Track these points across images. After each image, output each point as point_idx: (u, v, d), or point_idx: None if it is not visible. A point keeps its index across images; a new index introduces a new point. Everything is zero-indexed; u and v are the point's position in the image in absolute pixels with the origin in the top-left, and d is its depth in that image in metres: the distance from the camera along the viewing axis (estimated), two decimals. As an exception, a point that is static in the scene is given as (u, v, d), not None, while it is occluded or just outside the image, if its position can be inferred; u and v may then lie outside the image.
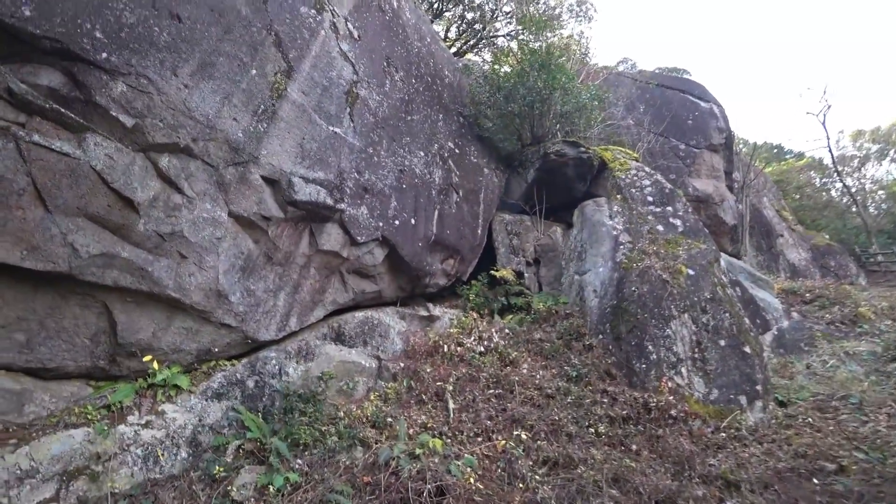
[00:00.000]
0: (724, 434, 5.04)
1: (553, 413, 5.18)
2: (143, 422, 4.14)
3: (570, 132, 10.58)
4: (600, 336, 6.53)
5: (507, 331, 7.17)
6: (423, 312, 7.49)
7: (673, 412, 5.18)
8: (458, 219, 8.01)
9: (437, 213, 7.46)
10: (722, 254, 13.11)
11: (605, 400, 5.44)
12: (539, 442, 4.76)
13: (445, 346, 6.43)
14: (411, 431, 4.87)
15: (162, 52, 4.41)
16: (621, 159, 9.71)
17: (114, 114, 4.05)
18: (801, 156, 25.21)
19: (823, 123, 18.52)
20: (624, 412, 5.22)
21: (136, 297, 4.30)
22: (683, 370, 5.79)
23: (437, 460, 4.31)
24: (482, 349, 6.55)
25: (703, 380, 5.74)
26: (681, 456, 4.68)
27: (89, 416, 3.94)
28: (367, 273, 6.49)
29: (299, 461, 4.35)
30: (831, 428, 5.22)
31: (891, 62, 67.13)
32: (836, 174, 21.99)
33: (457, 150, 8.65)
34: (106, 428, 3.90)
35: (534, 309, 7.75)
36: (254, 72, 5.24)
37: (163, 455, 4.07)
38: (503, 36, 17.82)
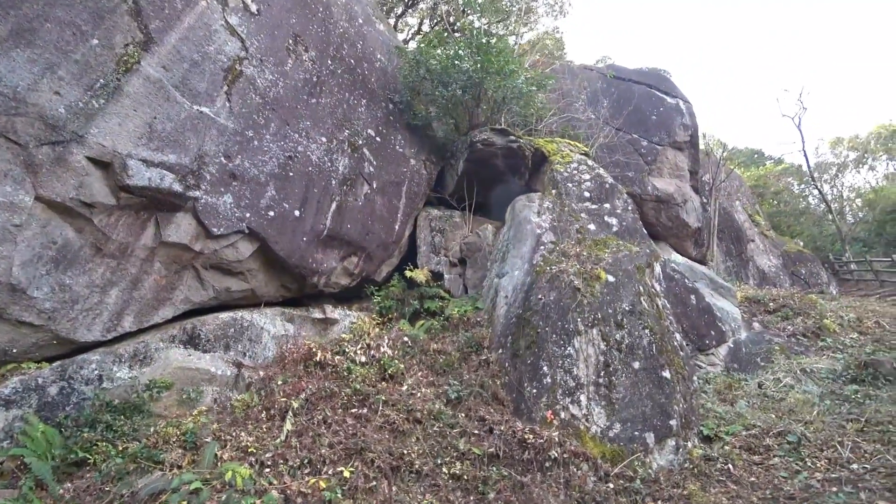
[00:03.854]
0: (611, 484, 3.81)
1: (408, 444, 3.99)
2: None
3: (515, 124, 9.31)
4: (500, 351, 5.27)
5: (405, 339, 5.96)
6: (318, 315, 6.30)
7: (554, 452, 3.93)
8: (367, 212, 6.81)
9: (334, 205, 6.26)
10: (683, 258, 11.83)
11: (478, 431, 4.21)
12: (371, 483, 3.57)
13: (320, 354, 5.24)
14: (227, 456, 3.72)
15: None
16: (565, 152, 8.44)
17: None
18: (779, 161, 23.63)
19: (799, 127, 17.03)
20: (492, 449, 3.99)
21: None
22: (583, 398, 4.54)
23: (224, 497, 3.17)
24: (364, 359, 5.36)
25: (605, 411, 4.50)
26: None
27: None
28: (232, 270, 5.33)
29: (68, 485, 3.39)
30: (753, 479, 4.01)
31: (870, 71, 65.21)
32: (811, 180, 20.47)
33: (378, 139, 7.46)
34: None
35: (446, 315, 6.55)
36: (95, 41, 4.23)
37: None
38: (477, 29, 16.61)
